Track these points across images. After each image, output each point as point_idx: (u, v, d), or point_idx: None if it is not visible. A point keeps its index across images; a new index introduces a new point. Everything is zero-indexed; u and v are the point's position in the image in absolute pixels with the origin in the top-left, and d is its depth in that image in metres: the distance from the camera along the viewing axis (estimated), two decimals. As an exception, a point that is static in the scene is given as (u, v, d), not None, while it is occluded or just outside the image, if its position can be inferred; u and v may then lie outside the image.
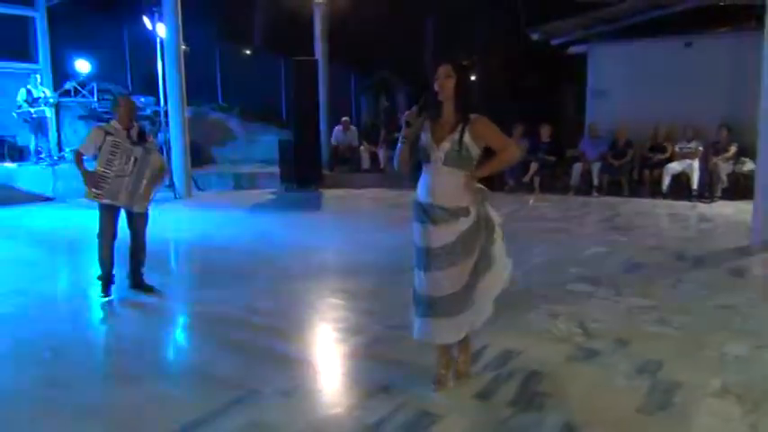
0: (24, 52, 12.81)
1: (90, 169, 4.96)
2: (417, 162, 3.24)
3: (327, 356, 3.99)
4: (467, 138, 3.09)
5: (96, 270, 5.15)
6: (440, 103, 3.16)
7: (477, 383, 3.38)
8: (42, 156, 11.24)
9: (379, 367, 3.54)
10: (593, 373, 3.56)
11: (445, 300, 3.13)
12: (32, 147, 11.42)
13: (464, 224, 3.10)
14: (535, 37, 12.90)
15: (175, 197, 10.93)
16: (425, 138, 3.17)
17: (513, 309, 4.64)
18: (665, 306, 4.70)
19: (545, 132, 11.55)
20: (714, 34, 10.93)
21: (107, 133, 4.97)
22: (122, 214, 5.15)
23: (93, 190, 4.93)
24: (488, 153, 3.20)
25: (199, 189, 11.84)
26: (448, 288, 3.13)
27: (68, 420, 3.11)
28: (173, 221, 9.04)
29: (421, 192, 3.21)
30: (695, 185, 10.07)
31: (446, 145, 3.10)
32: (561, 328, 4.24)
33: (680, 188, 10.27)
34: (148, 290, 5.24)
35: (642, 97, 11.21)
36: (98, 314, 4.91)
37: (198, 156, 13.39)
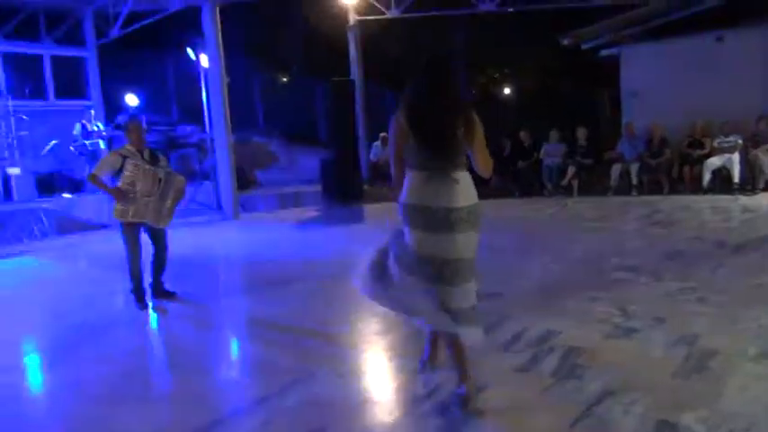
0: (78, 90, 13.58)
1: (115, 186, 5.29)
2: None
3: (374, 346, 4.21)
4: None
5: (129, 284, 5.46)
6: None
7: (517, 359, 3.59)
8: (98, 186, 11.85)
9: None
10: (631, 347, 3.72)
11: None
12: (89, 178, 12.05)
13: None
14: (565, 42, 13.05)
15: (223, 219, 11.38)
16: None
17: (553, 296, 4.84)
18: (702, 288, 4.81)
19: (581, 135, 11.62)
20: (745, 27, 10.90)
21: (124, 157, 5.28)
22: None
23: (121, 206, 5.23)
24: None
25: (245, 211, 12.28)
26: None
27: (148, 405, 3.42)
28: (221, 240, 9.46)
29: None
30: (736, 179, 10.00)
31: None
32: (600, 311, 4.40)
33: (721, 183, 10.22)
34: (171, 296, 5.58)
35: (677, 95, 11.20)
36: (161, 322, 5.26)
37: (243, 179, 13.89)
